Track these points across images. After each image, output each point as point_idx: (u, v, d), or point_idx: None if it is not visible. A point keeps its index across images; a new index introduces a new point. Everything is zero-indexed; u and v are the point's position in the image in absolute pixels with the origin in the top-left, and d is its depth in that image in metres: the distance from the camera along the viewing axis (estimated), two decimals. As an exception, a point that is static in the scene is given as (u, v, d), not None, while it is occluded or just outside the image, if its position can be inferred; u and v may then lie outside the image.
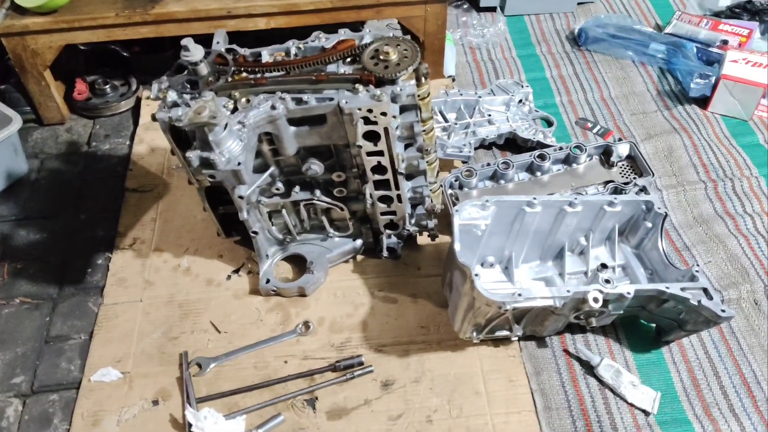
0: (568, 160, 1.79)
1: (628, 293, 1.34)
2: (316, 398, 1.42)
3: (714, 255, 1.65)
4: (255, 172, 1.43)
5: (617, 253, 1.58)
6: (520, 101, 1.99)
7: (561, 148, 1.79)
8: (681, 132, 1.94)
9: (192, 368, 1.46)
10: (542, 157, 1.76)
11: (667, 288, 1.36)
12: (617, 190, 1.69)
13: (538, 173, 1.78)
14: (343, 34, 1.41)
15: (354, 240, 1.64)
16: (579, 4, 2.39)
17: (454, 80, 2.14)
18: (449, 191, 1.75)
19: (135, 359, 1.49)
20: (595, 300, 1.32)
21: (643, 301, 1.42)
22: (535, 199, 1.49)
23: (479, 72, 2.18)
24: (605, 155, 1.79)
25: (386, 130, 1.31)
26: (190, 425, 1.34)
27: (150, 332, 1.53)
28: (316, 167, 1.42)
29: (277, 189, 1.48)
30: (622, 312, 1.44)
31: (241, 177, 1.22)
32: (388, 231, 1.58)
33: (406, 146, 1.42)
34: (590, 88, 2.11)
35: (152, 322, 1.55)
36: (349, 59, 1.35)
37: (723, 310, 1.34)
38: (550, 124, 1.98)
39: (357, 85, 1.28)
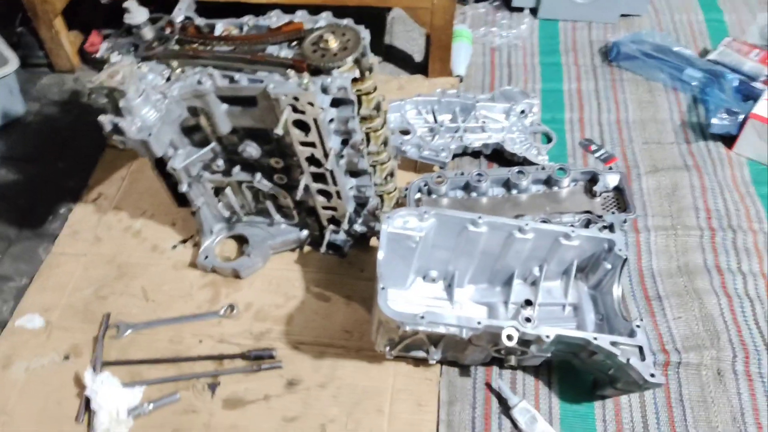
0: (549, 182, 1.65)
1: (548, 337, 1.22)
2: (218, 383, 1.39)
3: (687, 311, 1.47)
4: (196, 146, 1.41)
5: (571, 290, 1.45)
6: (522, 112, 1.85)
7: (544, 168, 1.65)
8: (692, 170, 1.74)
9: (110, 330, 1.47)
10: (521, 173, 1.63)
11: (595, 339, 1.22)
12: (589, 223, 1.54)
13: (515, 191, 1.65)
14: (299, 15, 1.34)
15: (300, 230, 1.59)
16: (623, 16, 2.20)
17: (461, 80, 2.02)
18: (416, 195, 1.65)
19: (62, 311, 1.51)
20: (509, 338, 1.21)
21: (574, 348, 1.29)
22: (480, 218, 1.39)
23: (492, 75, 2.05)
24: (591, 182, 1.64)
25: (315, 121, 1.24)
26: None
27: (83, 288, 1.55)
28: (251, 149, 1.37)
29: (218, 166, 1.44)
30: (549, 355, 1.32)
31: (151, 148, 1.19)
32: (331, 226, 1.52)
33: (344, 142, 1.35)
34: (607, 107, 1.94)
35: (88, 278, 1.57)
36: (294, 43, 1.29)
37: (652, 375, 1.19)
38: (550, 139, 1.84)
39: (289, 71, 1.22)
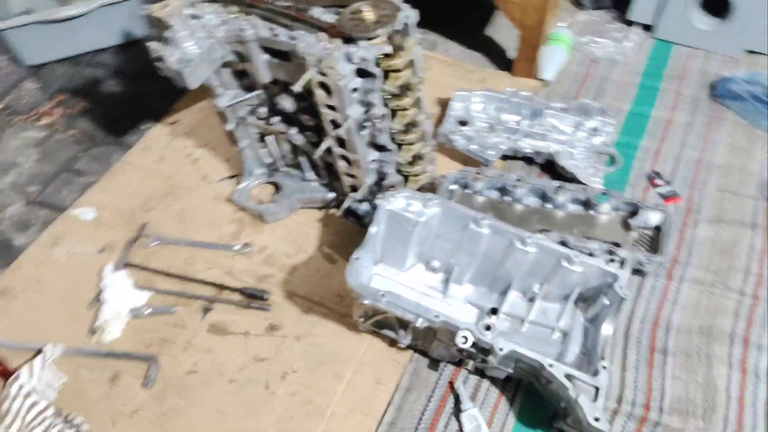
0: (588, 204, 1.56)
1: (501, 349, 1.19)
2: (211, 309, 1.50)
3: (689, 374, 1.35)
4: (243, 90, 1.51)
5: (565, 316, 1.38)
6: (595, 129, 1.76)
7: (585, 188, 1.57)
8: (759, 230, 1.57)
9: (142, 238, 1.63)
10: (560, 188, 1.57)
11: (550, 366, 1.17)
12: (611, 253, 1.45)
13: (550, 205, 1.59)
14: (360, -15, 1.38)
15: (329, 191, 1.65)
16: (748, 51, 1.99)
17: (546, 85, 1.95)
18: (452, 187, 1.65)
19: (112, 212, 1.70)
20: (463, 340, 1.20)
21: (534, 371, 1.24)
22: (484, 218, 1.36)
23: (581, 87, 1.95)
24: (631, 215, 1.54)
25: (336, 86, 1.28)
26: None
27: (135, 196, 1.73)
28: (286, 103, 1.44)
29: (261, 114, 1.54)
30: (510, 370, 1.29)
31: (185, 79, 1.29)
32: (352, 194, 1.56)
33: (368, 113, 1.38)
34: (693, 144, 1.78)
35: (142, 190, 1.74)
36: (340, 9, 1.33)
37: (597, 419, 1.13)
38: (614, 162, 1.73)
39: (321, 34, 1.27)
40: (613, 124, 1.77)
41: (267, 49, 1.36)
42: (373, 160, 1.47)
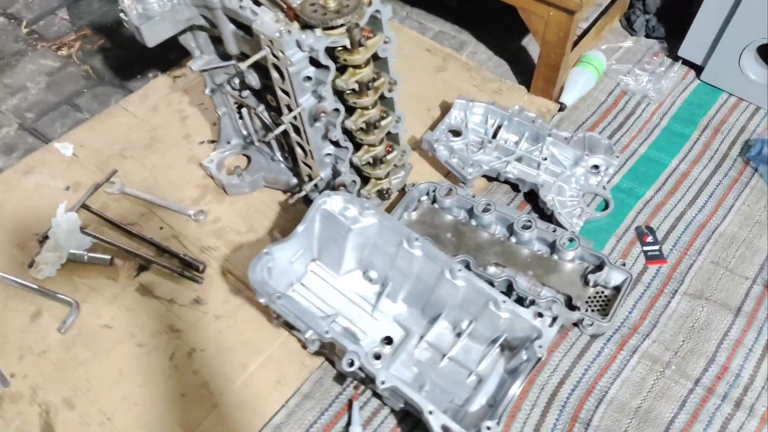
0: (553, 247, 1.43)
1: (383, 382, 1.11)
2: (147, 269, 1.50)
3: (604, 456, 1.22)
4: (220, 58, 1.47)
5: (486, 361, 1.28)
6: (596, 167, 1.61)
7: (555, 231, 1.44)
8: (743, 318, 1.39)
9: (108, 183, 1.64)
10: (527, 226, 1.44)
11: (430, 413, 1.09)
12: (552, 304, 1.32)
13: (514, 239, 1.47)
14: (340, -32, 1.30)
15: (294, 175, 1.59)
16: (805, 114, 1.75)
17: (562, 109, 1.80)
18: (422, 197, 1.56)
19: (90, 153, 1.72)
20: (349, 362, 1.12)
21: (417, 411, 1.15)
22: (417, 240, 1.27)
23: (600, 119, 1.79)
24: (596, 269, 1.39)
25: (287, 71, 1.22)
26: (58, 216, 1.55)
27: (118, 142, 1.74)
28: (251, 78, 1.39)
29: (235, 84, 1.49)
30: (402, 405, 1.21)
31: (142, 35, 1.26)
32: (305, 184, 1.50)
33: (321, 106, 1.30)
34: (703, 205, 1.59)
35: (126, 136, 1.75)
36: (313, -9, 1.26)
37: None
38: (606, 207, 1.58)
39: (280, 14, 1.21)
40: (615, 165, 1.61)
41: (233, 20, 1.31)
42: (328, 154, 1.40)
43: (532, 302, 1.34)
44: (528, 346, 1.20)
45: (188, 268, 1.49)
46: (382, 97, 1.36)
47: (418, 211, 1.55)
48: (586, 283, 1.38)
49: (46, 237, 1.53)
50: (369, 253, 1.37)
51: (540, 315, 1.20)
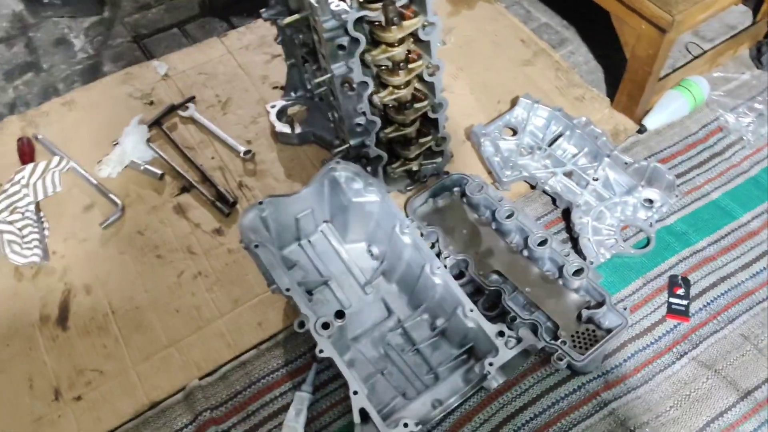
0: (561, 272, 1.36)
1: (321, 351, 1.14)
2: (188, 191, 1.63)
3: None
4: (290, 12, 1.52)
5: (449, 363, 1.27)
6: (650, 202, 1.48)
7: (568, 255, 1.36)
8: (749, 402, 1.24)
9: (183, 107, 1.79)
10: (543, 244, 1.38)
11: (354, 393, 1.11)
12: (535, 329, 1.26)
13: (526, 252, 1.41)
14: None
15: (336, 138, 1.63)
16: None
17: (641, 131, 1.66)
18: (454, 189, 1.54)
19: (180, 75, 1.88)
20: (299, 324, 1.17)
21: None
22: (408, 226, 1.28)
23: (681, 150, 1.63)
24: (595, 307, 1.31)
25: (322, 36, 1.25)
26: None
27: (208, 70, 1.89)
28: (302, 35, 1.44)
29: (299, 39, 1.54)
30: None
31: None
32: (339, 146, 1.53)
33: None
34: (755, 272, 1.42)
35: (217, 67, 1.91)
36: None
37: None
38: (646, 245, 1.46)
39: (341, -16, 1.23)
40: (668, 205, 1.47)
41: (297, -21, 1.35)
42: (359, 124, 1.42)
43: (513, 319, 1.29)
44: (480, 371, 1.17)
45: (221, 200, 1.60)
46: (422, 80, 1.35)
47: (444, 201, 1.53)
48: (579, 317, 1.30)
49: (117, 142, 1.71)
50: (373, 228, 1.39)
51: (502, 334, 1.16)
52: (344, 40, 1.26)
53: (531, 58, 1.84)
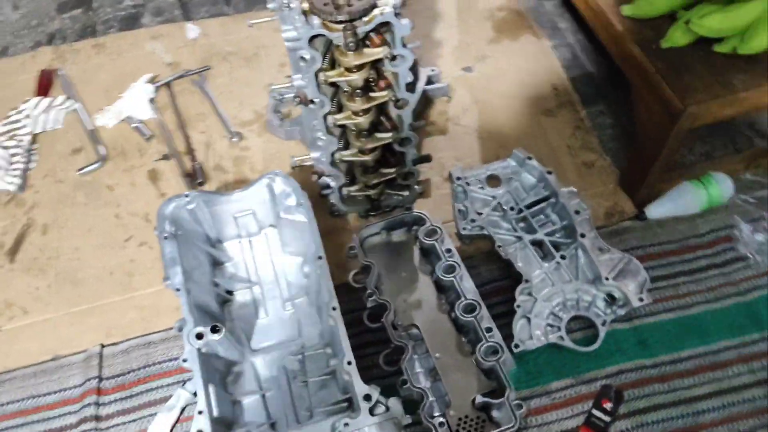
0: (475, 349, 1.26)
1: (185, 360, 1.12)
2: (168, 158, 1.66)
3: None
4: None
5: (328, 407, 1.22)
6: (611, 297, 1.34)
7: (490, 331, 1.25)
8: None
9: (195, 75, 1.81)
10: (470, 311, 1.28)
11: (199, 412, 1.08)
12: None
13: (453, 315, 1.31)
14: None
15: (319, 144, 1.59)
16: None
17: (640, 218, 1.49)
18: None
19: (206, 43, 1.90)
20: (178, 328, 1.16)
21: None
22: (320, 259, 1.23)
23: (677, 251, 1.45)
24: (493, 395, 1.20)
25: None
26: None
27: (233, 44, 1.90)
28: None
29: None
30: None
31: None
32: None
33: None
34: (713, 408, 1.25)
35: (241, 43, 1.91)
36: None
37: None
38: (591, 344, 1.32)
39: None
40: (631, 308, 1.32)
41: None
42: (320, 138, 1.37)
43: (404, 383, 1.21)
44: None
45: (192, 176, 1.61)
46: (383, 111, 1.28)
47: (399, 237, 1.45)
48: (473, 401, 1.20)
49: (121, 95, 1.75)
50: (305, 247, 1.35)
51: (368, 398, 1.09)
52: (305, 53, 1.20)
53: (554, 108, 1.70)
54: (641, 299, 1.33)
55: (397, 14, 1.13)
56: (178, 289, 1.18)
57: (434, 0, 1.94)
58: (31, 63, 1.87)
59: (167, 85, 1.79)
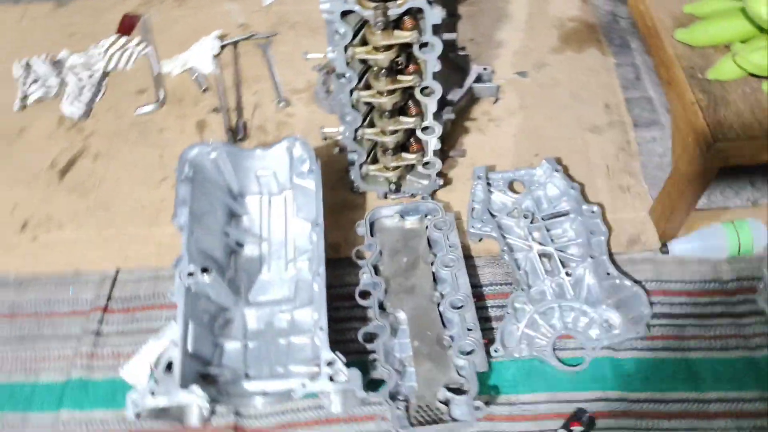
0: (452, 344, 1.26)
1: (172, 294, 1.20)
2: (218, 111, 1.74)
3: None
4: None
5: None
6: (607, 323, 1.30)
7: (470, 330, 1.25)
8: None
9: (262, 39, 1.89)
10: (455, 306, 1.28)
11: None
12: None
13: (441, 308, 1.31)
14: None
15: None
16: None
17: (663, 251, 1.43)
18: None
19: (280, 11, 1.97)
20: (174, 264, 1.23)
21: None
22: (318, 227, 1.26)
23: (691, 292, 1.38)
24: (457, 392, 1.20)
25: (322, 15, 1.25)
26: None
27: (304, 15, 1.97)
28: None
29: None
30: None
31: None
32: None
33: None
34: (681, 460, 1.20)
35: (315, 15, 1.95)
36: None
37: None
38: (578, 365, 1.29)
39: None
40: (628, 339, 1.28)
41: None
42: (348, 113, 1.40)
43: (374, 361, 1.24)
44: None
45: (234, 132, 1.69)
46: (412, 95, 1.30)
47: (411, 223, 1.47)
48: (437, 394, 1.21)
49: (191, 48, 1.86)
50: (314, 212, 1.39)
51: (331, 364, 1.13)
52: (340, 27, 1.24)
53: (603, 126, 1.65)
54: (637, 332, 1.29)
55: (430, 1, 1.16)
56: (181, 228, 1.26)
57: (506, 2, 1.92)
58: (120, 5, 2.02)
59: (234, 44, 1.88)
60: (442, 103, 1.57)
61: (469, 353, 1.23)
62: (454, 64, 1.66)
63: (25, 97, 1.79)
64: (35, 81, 1.80)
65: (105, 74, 1.84)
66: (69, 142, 1.71)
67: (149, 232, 1.53)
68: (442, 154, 1.57)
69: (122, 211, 1.57)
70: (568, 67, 1.77)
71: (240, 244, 1.45)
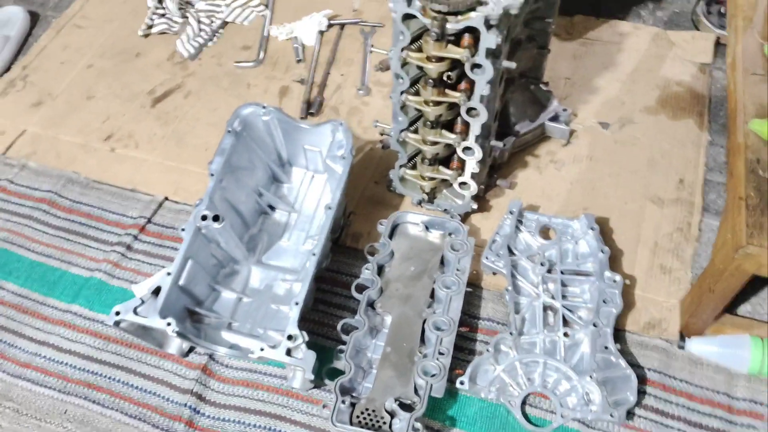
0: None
1: (182, 229, 1.30)
2: (303, 83, 1.83)
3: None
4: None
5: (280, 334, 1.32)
6: (587, 396, 1.25)
7: (443, 354, 1.25)
8: None
9: (365, 27, 1.95)
10: (439, 329, 1.28)
11: (168, 324, 1.25)
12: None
13: (433, 325, 1.32)
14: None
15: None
16: None
17: (680, 346, 1.33)
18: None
19: (395, 4, 2.02)
20: (203, 216, 1.33)
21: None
22: (329, 209, 1.31)
23: (693, 400, 1.28)
24: (405, 408, 1.20)
25: (393, 15, 1.28)
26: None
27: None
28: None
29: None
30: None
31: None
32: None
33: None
34: None
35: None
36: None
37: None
38: (542, 425, 1.25)
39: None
40: (605, 419, 1.22)
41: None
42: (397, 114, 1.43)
43: (341, 351, 1.27)
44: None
45: (309, 105, 1.77)
46: (456, 110, 1.31)
47: (434, 237, 1.47)
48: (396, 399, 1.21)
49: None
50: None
51: (291, 338, 1.17)
52: (401, 29, 1.27)
53: (668, 200, 1.55)
54: (615, 415, 1.22)
55: (491, 25, 1.15)
56: (212, 174, 1.36)
57: (619, 50, 1.85)
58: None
59: (341, 26, 1.96)
60: (504, 131, 1.57)
61: (432, 376, 1.23)
62: (534, 97, 1.63)
63: (150, 26, 1.98)
64: (163, 15, 1.99)
65: (223, 24, 1.99)
66: (171, 75, 1.88)
67: (203, 172, 1.65)
68: (489, 179, 1.57)
69: (189, 148, 1.71)
70: (654, 131, 1.68)
71: (273, 208, 1.54)
